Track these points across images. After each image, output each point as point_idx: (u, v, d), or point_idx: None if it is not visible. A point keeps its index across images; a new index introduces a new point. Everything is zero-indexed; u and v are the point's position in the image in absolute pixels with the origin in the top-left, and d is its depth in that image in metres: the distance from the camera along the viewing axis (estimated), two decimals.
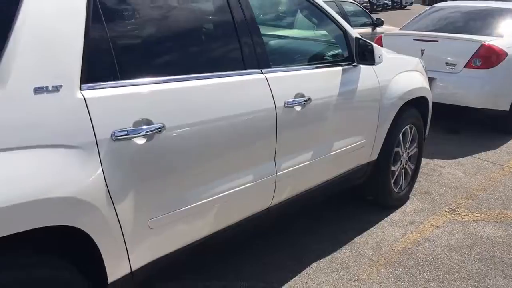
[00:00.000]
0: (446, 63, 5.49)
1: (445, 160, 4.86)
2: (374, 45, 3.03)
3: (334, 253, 3.11)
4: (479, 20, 6.08)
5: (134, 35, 1.98)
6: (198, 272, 2.81)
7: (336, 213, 3.63)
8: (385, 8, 34.11)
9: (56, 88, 1.64)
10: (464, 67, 5.40)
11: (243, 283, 2.73)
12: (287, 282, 2.78)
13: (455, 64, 5.44)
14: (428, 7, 7.18)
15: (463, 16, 6.29)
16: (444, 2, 7.65)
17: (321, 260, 3.02)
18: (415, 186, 4.10)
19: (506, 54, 5.37)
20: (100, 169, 1.73)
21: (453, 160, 4.88)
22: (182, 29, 2.17)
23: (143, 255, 1.97)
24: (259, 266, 2.91)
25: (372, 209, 3.69)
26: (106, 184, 1.74)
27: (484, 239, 3.33)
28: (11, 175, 1.50)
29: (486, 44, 5.37)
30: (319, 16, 2.98)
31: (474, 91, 5.38)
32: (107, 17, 1.83)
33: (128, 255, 1.90)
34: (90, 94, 1.72)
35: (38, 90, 1.59)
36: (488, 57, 5.33)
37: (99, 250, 1.77)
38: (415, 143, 3.83)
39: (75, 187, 1.65)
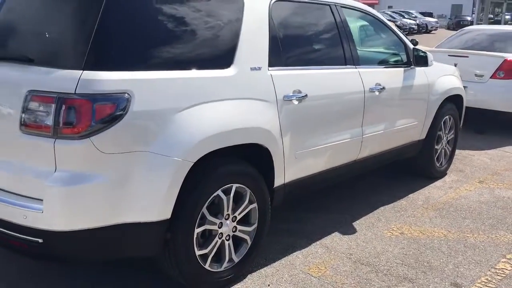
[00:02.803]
0: (475, 75, 6.69)
1: (474, 151, 6.03)
2: (428, 53, 4.29)
3: (394, 202, 4.31)
4: (501, 41, 7.32)
5: (291, 41, 3.27)
6: (308, 206, 4.04)
7: (392, 179, 4.84)
8: (411, 32, 35.22)
9: (259, 68, 2.93)
10: (490, 77, 6.62)
11: (347, 216, 3.95)
12: (365, 216, 3.98)
13: (483, 75, 6.65)
14: (456, 31, 8.43)
15: (487, 37, 7.54)
16: (469, 26, 8.91)
17: (385, 206, 4.22)
18: (451, 167, 5.26)
19: None
20: (277, 115, 2.99)
21: (481, 151, 6.04)
22: (317, 39, 3.50)
23: (290, 174, 3.22)
24: (345, 204, 4.13)
25: (419, 179, 4.88)
26: (279, 123, 3.01)
27: (505, 198, 4.49)
28: (235, 112, 2.77)
29: (508, 59, 6.58)
30: (388, 33, 4.26)
31: (498, 97, 6.58)
32: (279, 27, 3.12)
33: (284, 171, 3.15)
34: (273, 72, 3.01)
35: (252, 69, 2.89)
36: (510, 70, 6.53)
37: (273, 164, 3.02)
38: (453, 131, 5.03)
39: (265, 122, 2.91)
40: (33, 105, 2.27)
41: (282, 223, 3.69)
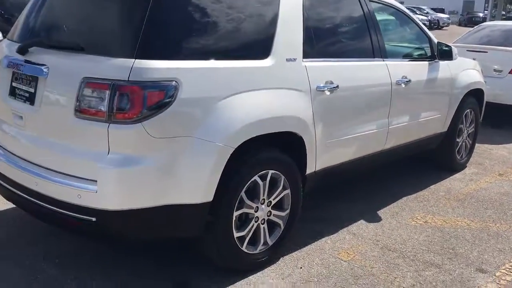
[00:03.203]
0: (494, 70, 6.75)
1: (493, 145, 6.10)
2: (452, 47, 4.38)
3: (417, 193, 4.41)
4: None
5: (323, 33, 3.38)
6: (334, 195, 4.16)
7: (414, 171, 4.94)
8: None
9: (294, 60, 3.04)
10: (509, 73, 6.68)
11: (371, 205, 4.06)
12: (388, 205, 4.09)
13: (501, 71, 6.71)
14: (473, 27, 8.48)
15: (505, 33, 7.59)
16: (486, 22, 8.95)
17: (408, 196, 4.33)
18: (471, 160, 5.35)
19: None
20: (310, 105, 3.11)
21: (499, 145, 6.12)
22: (347, 31, 3.61)
23: (321, 162, 3.33)
24: (368, 194, 4.24)
25: (439, 171, 4.97)
26: (313, 113, 3.12)
27: None
28: (273, 101, 2.89)
29: None
30: (413, 27, 4.35)
31: None
32: (311, 19, 3.22)
33: (315, 160, 3.27)
34: (307, 63, 3.12)
35: (288, 60, 3.00)
36: None
37: (305, 152, 3.14)
38: (473, 124, 5.12)
39: (300, 111, 3.03)
40: (88, 91, 2.40)
41: (310, 211, 3.80)
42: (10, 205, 3.62)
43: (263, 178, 2.90)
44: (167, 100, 2.41)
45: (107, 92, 2.35)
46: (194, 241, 2.86)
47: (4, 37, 11.63)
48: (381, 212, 3.95)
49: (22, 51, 2.69)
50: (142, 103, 2.36)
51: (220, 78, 2.64)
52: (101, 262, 3.01)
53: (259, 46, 2.89)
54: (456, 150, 4.92)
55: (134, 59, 2.36)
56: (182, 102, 2.45)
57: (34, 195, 2.60)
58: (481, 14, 42.34)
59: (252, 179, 2.83)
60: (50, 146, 2.57)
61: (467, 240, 3.55)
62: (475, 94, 4.99)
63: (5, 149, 2.89)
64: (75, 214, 2.45)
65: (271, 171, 2.93)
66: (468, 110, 4.93)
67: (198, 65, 2.56)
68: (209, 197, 2.61)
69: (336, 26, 3.56)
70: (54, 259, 3.01)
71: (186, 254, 3.13)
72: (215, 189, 2.61)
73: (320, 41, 3.32)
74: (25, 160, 2.68)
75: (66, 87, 2.48)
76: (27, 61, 2.69)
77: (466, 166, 5.19)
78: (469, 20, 41.17)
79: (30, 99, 2.65)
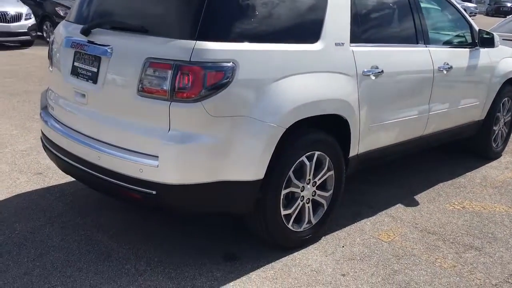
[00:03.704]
0: None
1: None
2: (494, 34, 4.39)
3: (453, 179, 4.46)
4: None
5: (369, 18, 3.44)
6: (373, 179, 4.24)
7: (450, 158, 4.98)
8: None
9: (342, 44, 3.12)
10: None
11: (408, 190, 4.14)
12: (425, 191, 4.16)
13: None
14: (507, 17, 8.39)
15: None
16: None
17: (444, 182, 4.38)
18: (506, 148, 5.35)
19: None
20: (356, 89, 3.18)
21: None
22: (392, 17, 3.66)
23: (364, 145, 3.41)
24: (405, 179, 4.31)
25: (475, 158, 5.00)
26: (358, 97, 3.20)
27: None
28: (322, 84, 2.98)
29: None
30: (455, 14, 4.37)
31: None
32: (358, 4, 3.28)
33: (358, 142, 3.35)
34: (354, 48, 3.19)
35: (336, 44, 3.07)
36: None
37: (350, 135, 3.22)
38: (510, 113, 5.11)
39: (347, 95, 3.11)
40: (151, 71, 2.52)
41: (348, 194, 3.89)
42: (68, 178, 3.83)
43: (310, 158, 3.00)
44: (226, 80, 2.51)
45: (169, 71, 2.46)
46: (243, 218, 2.99)
47: (37, 21, 11.89)
48: (418, 197, 4.02)
49: (86, 32, 2.82)
50: (202, 82, 2.47)
51: (274, 61, 2.73)
52: (153, 235, 3.17)
53: (309, 30, 2.97)
54: (493, 138, 4.93)
55: (195, 41, 2.47)
56: (239, 83, 2.56)
57: (96, 169, 2.75)
58: (509, 4, 41.09)
59: (300, 159, 2.93)
60: (113, 122, 2.70)
61: (506, 225, 3.60)
62: None
63: (64, 124, 3.04)
64: (136, 187, 2.59)
65: (317, 153, 3.03)
66: (506, 99, 4.93)
67: (253, 47, 2.66)
68: (261, 175, 2.72)
69: (381, 12, 3.60)
70: (108, 230, 3.18)
71: (235, 230, 3.26)
72: (266, 168, 2.72)
73: (365, 26, 3.37)
74: (86, 135, 2.83)
75: (130, 67, 2.60)
76: (90, 42, 2.82)
77: (501, 155, 5.20)
78: (497, 9, 40.13)
79: (93, 78, 2.79)
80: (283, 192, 2.90)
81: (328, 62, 3.03)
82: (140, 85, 2.55)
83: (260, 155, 2.68)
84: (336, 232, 3.36)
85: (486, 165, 4.91)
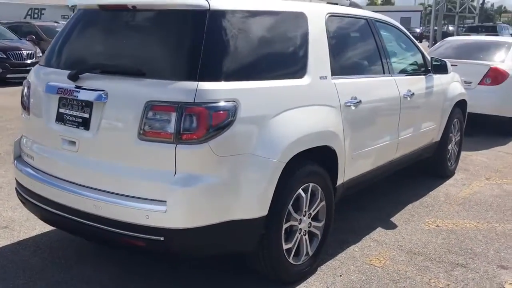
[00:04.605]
0: (464, 81, 7.21)
1: (470, 152, 6.50)
2: (447, 61, 4.72)
3: (420, 199, 4.67)
4: (482, 50, 7.97)
5: (343, 52, 3.59)
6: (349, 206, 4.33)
7: (409, 179, 5.21)
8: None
9: (326, 77, 3.22)
10: (478, 84, 7.19)
11: (383, 213, 4.26)
12: (398, 212, 4.32)
13: (471, 82, 7.21)
14: (438, 42, 9.06)
15: (468, 47, 8.19)
16: (449, 37, 9.62)
17: (413, 203, 4.57)
18: (458, 167, 5.70)
19: (508, 75, 7.20)
20: (341, 119, 3.29)
21: (476, 152, 6.55)
22: (362, 50, 3.85)
23: (348, 173, 3.50)
24: (377, 203, 4.45)
25: (432, 178, 5.27)
26: (343, 127, 3.30)
27: None
28: (313, 117, 3.05)
29: (493, 67, 7.18)
30: (410, 44, 4.66)
31: (486, 102, 7.13)
32: (333, 39, 3.42)
33: (344, 171, 3.43)
34: (335, 81, 3.30)
35: (321, 78, 3.17)
36: (495, 77, 7.14)
37: (337, 164, 3.30)
38: (459, 132, 5.49)
39: (334, 126, 3.21)
40: (153, 114, 2.46)
41: None
42: (39, 229, 3.58)
43: (305, 190, 3.03)
44: (230, 119, 2.50)
45: (174, 114, 2.41)
46: (245, 256, 2.94)
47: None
48: (394, 219, 4.17)
49: (74, 77, 2.70)
50: (208, 123, 2.44)
51: (271, 97, 2.77)
52: (154, 279, 3.02)
53: (297, 65, 3.05)
54: (448, 157, 5.25)
55: (197, 82, 2.45)
56: (242, 121, 2.56)
57: (91, 218, 2.60)
58: (418, 30, 43.73)
59: (297, 192, 2.96)
60: (109, 169, 2.58)
61: (480, 240, 3.82)
62: (459, 105, 5.36)
63: (47, 173, 2.86)
64: (140, 235, 2.48)
65: (311, 184, 3.07)
66: (456, 120, 5.30)
67: (251, 85, 2.68)
68: (265, 211, 2.70)
69: (351, 45, 3.79)
70: (100, 281, 2.99)
71: (231, 267, 3.19)
72: (269, 203, 2.71)
73: (341, 59, 3.52)
74: (79, 184, 2.68)
75: (128, 111, 2.52)
76: (78, 87, 2.70)
77: (455, 172, 5.54)
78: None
79: (84, 124, 2.66)
80: (284, 226, 2.90)
81: (315, 95, 3.11)
82: (141, 129, 2.47)
83: (264, 191, 2.67)
84: (329, 261, 3.38)
85: (445, 183, 5.19)
